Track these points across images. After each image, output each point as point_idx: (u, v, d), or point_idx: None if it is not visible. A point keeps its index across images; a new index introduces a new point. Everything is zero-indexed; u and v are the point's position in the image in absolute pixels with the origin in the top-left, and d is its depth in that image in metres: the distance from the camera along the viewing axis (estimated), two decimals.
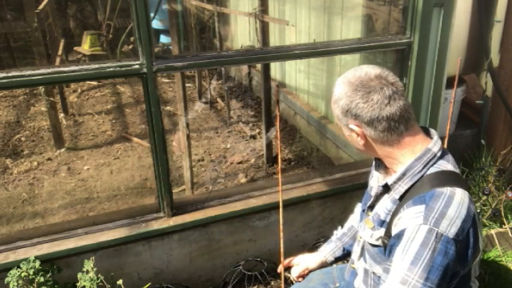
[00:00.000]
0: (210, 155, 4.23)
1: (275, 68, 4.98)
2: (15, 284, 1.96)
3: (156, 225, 2.29)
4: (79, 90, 5.94)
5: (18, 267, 2.02)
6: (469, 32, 3.09)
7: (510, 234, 2.70)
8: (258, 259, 2.52)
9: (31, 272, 1.99)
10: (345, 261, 1.97)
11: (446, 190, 1.26)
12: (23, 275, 1.98)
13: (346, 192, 2.62)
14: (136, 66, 2.01)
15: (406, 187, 1.34)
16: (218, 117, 5.07)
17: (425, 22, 2.33)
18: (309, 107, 4.38)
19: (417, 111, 2.53)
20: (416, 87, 2.47)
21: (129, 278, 2.31)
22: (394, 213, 1.35)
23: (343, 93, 1.34)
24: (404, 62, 2.46)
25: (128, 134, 4.67)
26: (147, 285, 2.31)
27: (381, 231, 1.41)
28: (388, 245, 1.35)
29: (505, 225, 2.77)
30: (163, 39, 6.98)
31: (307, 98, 4.49)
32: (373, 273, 1.50)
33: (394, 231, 1.31)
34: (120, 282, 2.01)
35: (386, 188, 1.42)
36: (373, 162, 1.56)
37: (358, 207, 1.82)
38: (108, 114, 5.22)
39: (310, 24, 4.14)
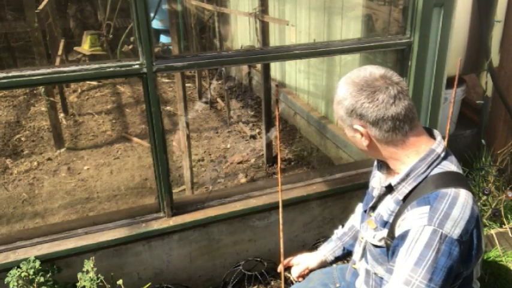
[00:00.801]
0: (210, 155, 4.23)
1: (275, 68, 4.98)
2: (15, 284, 1.96)
3: (156, 225, 2.29)
4: (79, 90, 5.94)
5: (18, 267, 2.02)
6: (469, 32, 3.09)
7: (510, 234, 2.70)
8: (258, 259, 2.52)
9: (31, 272, 1.99)
10: (345, 261, 1.97)
11: (451, 191, 1.26)
12: (23, 275, 1.98)
13: (346, 192, 2.62)
14: (137, 66, 2.01)
15: (410, 188, 1.33)
16: (218, 117, 5.07)
17: (425, 22, 2.33)
18: (309, 107, 4.38)
19: (417, 111, 2.50)
20: (416, 87, 2.47)
21: (129, 278, 2.31)
22: (398, 214, 1.34)
23: (348, 93, 1.33)
24: (404, 62, 2.46)
25: (128, 134, 4.67)
26: (147, 285, 2.31)
27: (384, 232, 1.40)
28: (391, 246, 1.35)
29: (505, 225, 2.77)
30: (163, 39, 6.97)
31: (307, 98, 4.48)
32: (375, 274, 1.50)
33: (398, 232, 1.31)
34: (120, 282, 2.01)
35: (389, 189, 1.41)
36: (375, 163, 1.55)
37: (359, 207, 1.81)
38: (108, 114, 5.22)
39: (310, 24, 4.14)
